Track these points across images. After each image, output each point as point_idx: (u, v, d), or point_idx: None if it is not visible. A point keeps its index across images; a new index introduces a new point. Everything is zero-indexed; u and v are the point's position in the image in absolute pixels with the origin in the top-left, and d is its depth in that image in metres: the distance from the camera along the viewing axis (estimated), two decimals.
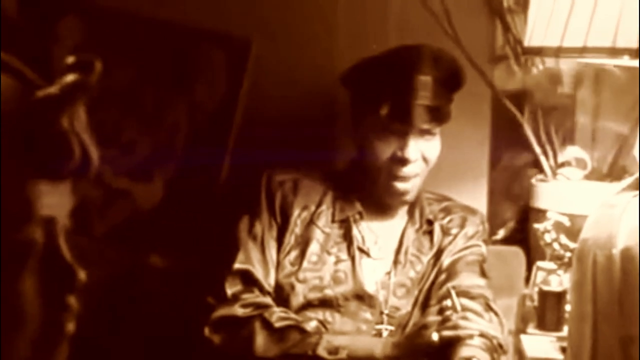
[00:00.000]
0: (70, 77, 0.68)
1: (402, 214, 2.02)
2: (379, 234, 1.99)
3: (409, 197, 1.97)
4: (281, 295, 1.92)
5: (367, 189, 1.99)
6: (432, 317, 1.78)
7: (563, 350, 1.87)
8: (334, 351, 1.81)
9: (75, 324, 0.73)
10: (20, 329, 0.68)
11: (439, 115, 1.91)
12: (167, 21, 2.23)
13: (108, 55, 2.33)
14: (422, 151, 1.92)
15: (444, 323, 1.73)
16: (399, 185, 1.93)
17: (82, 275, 0.71)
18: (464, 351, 1.70)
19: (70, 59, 0.70)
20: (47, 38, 2.08)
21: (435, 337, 1.72)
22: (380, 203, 1.99)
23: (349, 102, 2.01)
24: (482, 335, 1.73)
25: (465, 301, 1.79)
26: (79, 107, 0.70)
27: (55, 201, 0.69)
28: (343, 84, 2.00)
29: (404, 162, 1.90)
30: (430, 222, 2.01)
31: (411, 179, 1.94)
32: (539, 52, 1.75)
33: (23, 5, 2.18)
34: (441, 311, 1.78)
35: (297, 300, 1.91)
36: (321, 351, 1.81)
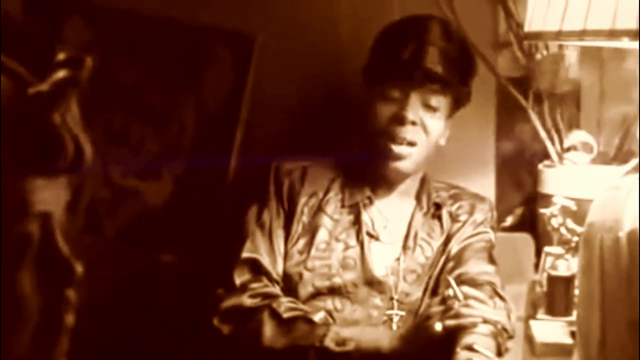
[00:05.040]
0: (60, 74, 0.69)
1: (410, 199, 2.03)
2: (389, 219, 2.00)
3: (406, 167, 1.96)
4: (289, 285, 1.93)
5: (373, 170, 1.99)
6: (436, 308, 1.78)
7: (572, 334, 1.87)
8: (341, 343, 1.81)
9: (76, 318, 0.73)
10: (20, 323, 0.69)
11: (445, 88, 1.93)
12: (172, 19, 2.23)
13: (114, 55, 2.34)
14: (422, 120, 1.93)
15: (446, 312, 1.74)
16: (395, 149, 1.93)
17: (79, 268, 0.72)
18: (465, 339, 1.70)
19: (61, 56, 0.71)
20: (53, 39, 2.09)
21: (438, 327, 1.72)
22: (384, 182, 2.00)
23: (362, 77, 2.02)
24: (485, 321, 1.73)
25: (467, 289, 1.79)
26: (71, 103, 0.71)
27: (50, 196, 0.70)
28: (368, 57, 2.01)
29: (402, 120, 1.91)
30: (438, 206, 2.02)
31: (408, 145, 1.94)
32: (539, 36, 1.75)
33: (28, 7, 2.19)
34: (444, 301, 1.78)
35: (305, 289, 1.92)
36: (329, 342, 1.81)
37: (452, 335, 1.71)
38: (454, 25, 1.98)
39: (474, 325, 1.71)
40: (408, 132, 1.92)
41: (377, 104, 1.95)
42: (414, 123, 1.92)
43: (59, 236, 0.71)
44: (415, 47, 1.92)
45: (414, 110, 1.92)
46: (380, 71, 1.96)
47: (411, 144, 1.93)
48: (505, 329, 1.78)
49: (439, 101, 1.94)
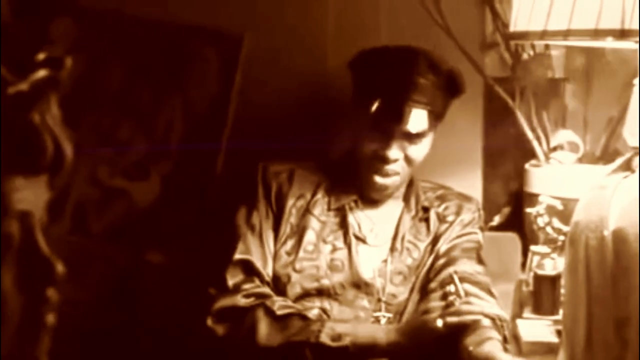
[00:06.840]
0: (40, 73, 0.69)
1: (397, 201, 2.03)
2: (375, 221, 2.00)
3: (389, 192, 1.99)
4: (278, 286, 1.93)
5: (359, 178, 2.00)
6: (435, 303, 1.79)
7: (559, 333, 1.88)
8: (337, 338, 1.81)
9: (64, 317, 0.73)
10: (1, 322, 0.69)
11: (431, 118, 1.92)
12: (158, 19, 2.23)
13: (102, 55, 2.33)
14: (406, 152, 1.93)
15: (447, 309, 1.74)
16: (378, 179, 1.95)
17: (60, 268, 0.72)
18: (483, 333, 1.71)
19: (41, 56, 0.71)
20: (39, 40, 2.09)
21: (439, 323, 1.72)
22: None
23: (350, 90, 2.01)
24: (486, 316, 1.74)
25: (468, 286, 1.80)
26: (51, 103, 0.71)
27: (30, 195, 0.70)
28: (349, 69, 1.99)
29: (384, 160, 1.92)
30: (425, 209, 2.02)
31: (391, 176, 1.95)
32: (524, 36, 1.75)
33: (14, 7, 2.18)
34: (444, 297, 1.78)
35: (293, 290, 1.92)
36: (324, 338, 1.81)
37: (451, 331, 1.71)
38: (438, 56, 1.95)
39: (476, 322, 1.71)
40: (390, 168, 1.94)
41: (361, 131, 1.94)
42: (396, 161, 1.93)
43: (39, 235, 0.71)
44: (400, 86, 1.89)
45: (397, 147, 1.92)
46: (364, 102, 1.94)
47: (394, 174, 1.95)
48: (500, 318, 1.79)
49: (424, 131, 1.93)
